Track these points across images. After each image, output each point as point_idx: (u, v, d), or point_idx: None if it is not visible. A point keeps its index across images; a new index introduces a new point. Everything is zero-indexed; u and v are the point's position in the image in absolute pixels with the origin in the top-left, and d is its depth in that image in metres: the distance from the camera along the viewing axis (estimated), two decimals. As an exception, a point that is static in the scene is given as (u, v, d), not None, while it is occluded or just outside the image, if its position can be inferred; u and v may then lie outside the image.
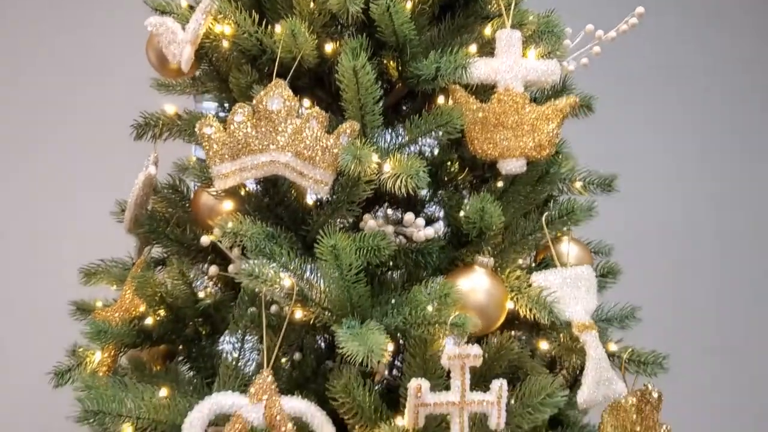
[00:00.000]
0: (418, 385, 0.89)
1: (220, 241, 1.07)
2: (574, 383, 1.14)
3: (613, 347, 1.12)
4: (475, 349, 0.92)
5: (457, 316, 0.89)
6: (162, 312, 1.11)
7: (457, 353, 0.90)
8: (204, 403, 0.91)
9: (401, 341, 1.04)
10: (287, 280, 0.93)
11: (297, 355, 1.15)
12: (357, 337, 0.87)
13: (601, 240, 1.32)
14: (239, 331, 1.10)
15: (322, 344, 1.16)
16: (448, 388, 0.91)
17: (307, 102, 1.08)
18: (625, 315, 1.21)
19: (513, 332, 1.09)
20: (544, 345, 1.10)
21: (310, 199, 1.11)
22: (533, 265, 1.15)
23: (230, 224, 0.95)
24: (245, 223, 0.96)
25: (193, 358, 1.16)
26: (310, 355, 1.13)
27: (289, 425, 0.91)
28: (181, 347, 1.17)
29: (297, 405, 0.92)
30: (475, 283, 0.99)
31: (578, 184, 1.23)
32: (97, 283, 1.25)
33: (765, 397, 2.55)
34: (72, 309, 1.22)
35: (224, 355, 1.13)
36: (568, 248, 1.14)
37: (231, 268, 1.08)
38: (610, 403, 1.06)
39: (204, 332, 1.17)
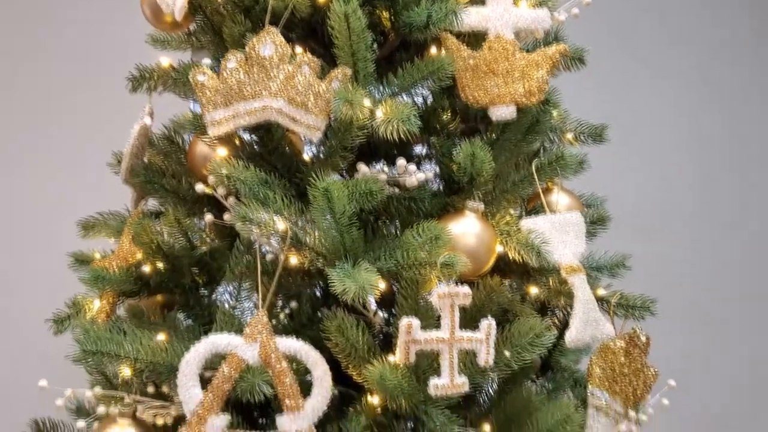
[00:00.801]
0: (408, 322, 0.92)
1: (215, 189, 1.09)
2: (563, 329, 1.17)
3: (601, 292, 1.14)
4: (465, 289, 0.94)
5: (447, 256, 0.91)
6: (159, 261, 1.14)
7: (446, 292, 0.93)
8: (200, 344, 0.94)
9: (394, 288, 1.06)
10: (281, 224, 0.95)
11: (293, 304, 1.17)
12: (349, 275, 0.89)
13: (593, 192, 1.34)
14: (235, 280, 1.13)
15: (318, 293, 1.18)
16: (438, 328, 0.94)
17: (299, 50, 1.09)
18: (615, 263, 1.23)
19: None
20: (533, 290, 1.13)
21: (306, 155, 1.12)
22: (524, 214, 1.17)
23: (224, 169, 0.97)
24: (239, 168, 0.97)
25: (190, 306, 1.18)
26: (305, 303, 1.16)
27: (284, 363, 0.93)
28: (178, 297, 1.19)
29: (291, 344, 0.95)
30: (466, 227, 1.01)
31: (569, 135, 1.24)
32: (95, 236, 1.27)
33: (753, 338, 2.55)
34: (71, 261, 1.24)
35: (221, 303, 1.16)
36: (557, 197, 1.16)
37: (226, 216, 1.10)
38: (598, 344, 1.09)
39: (201, 281, 1.19)
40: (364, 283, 0.86)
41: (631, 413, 1.12)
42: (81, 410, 1.19)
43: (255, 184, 0.97)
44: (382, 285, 0.91)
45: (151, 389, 1.14)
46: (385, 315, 1.22)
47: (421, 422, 1.02)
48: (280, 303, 1.14)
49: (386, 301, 1.20)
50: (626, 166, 2.27)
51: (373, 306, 1.26)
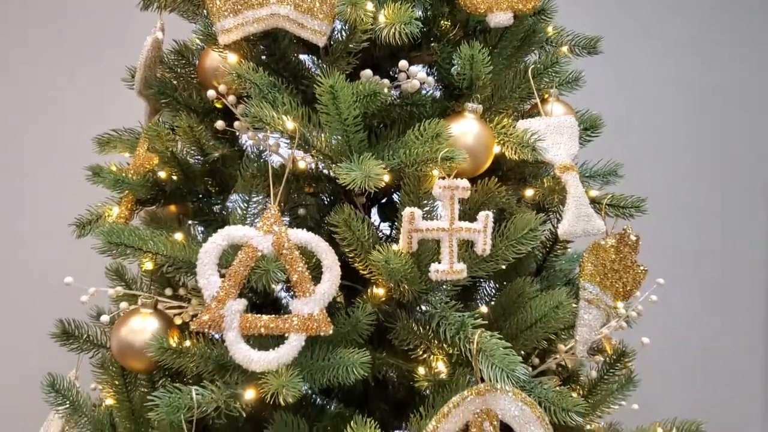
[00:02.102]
0: (411, 211, 0.98)
1: (226, 97, 1.14)
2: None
3: (594, 193, 1.20)
4: (464, 182, 1.00)
5: (447, 151, 0.97)
6: (173, 169, 1.20)
7: (447, 184, 0.99)
8: (217, 235, 1.00)
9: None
10: (290, 123, 1.00)
11: (301, 211, 1.24)
12: (355, 167, 0.95)
13: (588, 108, 1.39)
14: (247, 189, 1.19)
15: (325, 200, 1.24)
16: (438, 219, 1.00)
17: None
18: (608, 171, 1.29)
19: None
20: (529, 192, 1.19)
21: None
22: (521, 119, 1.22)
23: (236, 70, 1.02)
24: (249, 71, 1.03)
25: (204, 214, 1.25)
26: (313, 208, 1.22)
27: (296, 252, 1.00)
28: (191, 205, 1.26)
29: (303, 235, 1.01)
30: (465, 128, 1.06)
31: (564, 48, 1.28)
32: (110, 151, 1.33)
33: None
34: (88, 174, 1.29)
35: (232, 210, 1.22)
36: (553, 107, 1.20)
37: (236, 124, 1.16)
38: (590, 242, 1.16)
39: (213, 190, 1.25)
40: (369, 171, 0.92)
41: (621, 309, 1.19)
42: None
43: (265, 86, 1.02)
44: (386, 177, 0.97)
45: (168, 291, 1.22)
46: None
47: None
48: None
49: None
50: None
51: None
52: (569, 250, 1.40)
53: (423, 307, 1.08)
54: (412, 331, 1.09)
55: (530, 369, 1.16)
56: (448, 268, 0.99)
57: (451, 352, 1.10)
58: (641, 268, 1.19)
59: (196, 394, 0.96)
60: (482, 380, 0.98)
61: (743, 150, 2.45)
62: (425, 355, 1.12)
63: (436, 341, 1.09)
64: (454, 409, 0.97)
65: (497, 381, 0.94)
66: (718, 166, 2.43)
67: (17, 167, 2.05)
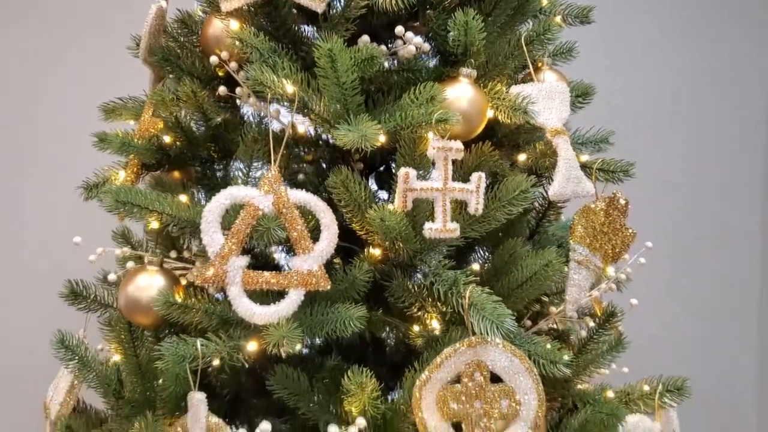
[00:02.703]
0: (406, 171, 1.02)
1: (228, 64, 1.18)
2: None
3: (584, 158, 1.24)
4: (458, 144, 1.04)
5: (441, 113, 1.00)
6: (177, 135, 1.24)
7: (441, 145, 1.03)
8: (220, 194, 1.04)
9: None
10: (290, 87, 1.04)
11: (300, 176, 1.28)
12: (352, 128, 0.98)
13: (582, 79, 1.42)
14: (248, 155, 1.23)
15: (324, 163, 1.28)
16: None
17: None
18: (599, 139, 1.33)
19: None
20: (522, 157, 1.22)
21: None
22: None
23: (238, 35, 1.06)
24: (250, 36, 1.06)
25: (207, 179, 1.29)
26: (312, 174, 1.26)
27: (295, 211, 1.04)
28: (195, 171, 1.30)
29: (301, 195, 1.05)
30: (459, 92, 1.09)
31: (558, 19, 1.31)
32: (116, 119, 1.36)
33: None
34: (95, 141, 1.33)
35: (234, 176, 1.26)
36: (545, 75, 1.24)
37: (238, 90, 1.19)
38: (580, 206, 1.20)
39: (216, 156, 1.29)
40: (365, 132, 0.96)
41: (611, 272, 1.23)
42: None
43: (265, 50, 1.05)
44: (382, 138, 1.00)
45: (173, 254, 1.26)
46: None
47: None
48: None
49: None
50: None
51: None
52: (562, 217, 1.44)
53: (418, 266, 1.12)
54: (407, 290, 1.13)
55: (522, 330, 1.20)
56: (441, 226, 1.03)
57: (444, 310, 1.15)
58: (630, 231, 1.23)
59: (201, 345, 1.00)
60: (473, 333, 1.02)
61: (738, 116, 2.46)
62: (420, 313, 1.16)
63: (430, 299, 1.13)
64: (447, 360, 1.02)
65: (487, 333, 0.98)
66: (713, 136, 2.44)
67: (25, 132, 2.08)
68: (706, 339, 2.48)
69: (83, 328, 1.26)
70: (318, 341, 1.31)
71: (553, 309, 1.27)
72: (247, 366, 1.12)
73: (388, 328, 1.24)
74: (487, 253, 1.28)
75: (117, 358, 1.21)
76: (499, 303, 1.00)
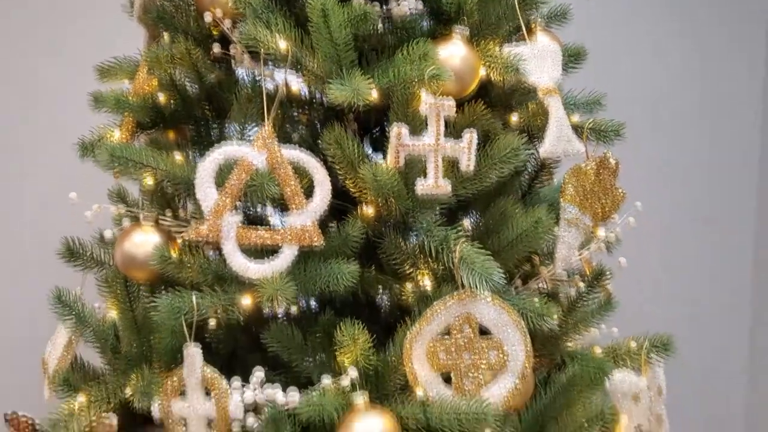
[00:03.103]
0: (398, 128, 1.03)
1: (222, 22, 1.18)
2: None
3: (575, 118, 1.25)
4: (450, 101, 1.05)
5: (433, 68, 1.01)
6: (172, 95, 1.24)
7: (433, 101, 1.04)
8: (214, 152, 1.05)
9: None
10: (283, 43, 1.05)
11: (294, 136, 1.29)
12: (345, 83, 0.99)
13: (575, 41, 1.42)
14: (242, 115, 1.23)
15: (318, 124, 1.29)
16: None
17: None
18: (592, 101, 1.34)
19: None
20: (514, 117, 1.23)
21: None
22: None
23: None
24: (244, -9, 1.06)
25: (201, 138, 1.29)
26: (307, 134, 1.27)
27: (289, 168, 1.05)
28: (189, 131, 1.31)
29: (295, 153, 1.06)
30: (452, 50, 1.10)
31: (551, -19, 1.31)
32: (111, 80, 1.37)
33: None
34: (90, 100, 1.33)
35: (228, 136, 1.27)
36: (538, 37, 1.24)
37: (233, 49, 1.20)
38: (571, 166, 1.21)
39: (210, 115, 1.30)
40: (358, 87, 0.97)
41: (601, 232, 1.25)
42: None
43: (259, 6, 1.06)
44: (374, 93, 1.01)
45: (168, 213, 1.28)
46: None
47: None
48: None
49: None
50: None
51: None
52: (554, 180, 1.45)
53: (410, 225, 1.14)
54: (399, 248, 1.15)
55: (512, 289, 1.22)
56: (433, 182, 1.05)
57: (435, 268, 1.16)
58: (620, 191, 1.24)
59: (196, 298, 1.02)
60: (463, 288, 1.04)
61: (731, 80, 2.47)
62: (412, 272, 1.18)
63: (421, 257, 1.15)
64: (437, 313, 1.04)
65: (477, 287, 1.00)
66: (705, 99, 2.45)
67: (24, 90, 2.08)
68: (695, 301, 2.52)
69: (80, 285, 1.28)
70: (313, 303, 1.33)
71: (543, 269, 1.29)
72: (242, 324, 1.15)
73: (381, 288, 1.26)
74: (478, 215, 1.30)
75: (113, 314, 1.24)
76: (488, 258, 1.02)
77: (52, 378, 1.25)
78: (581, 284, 1.32)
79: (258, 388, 1.02)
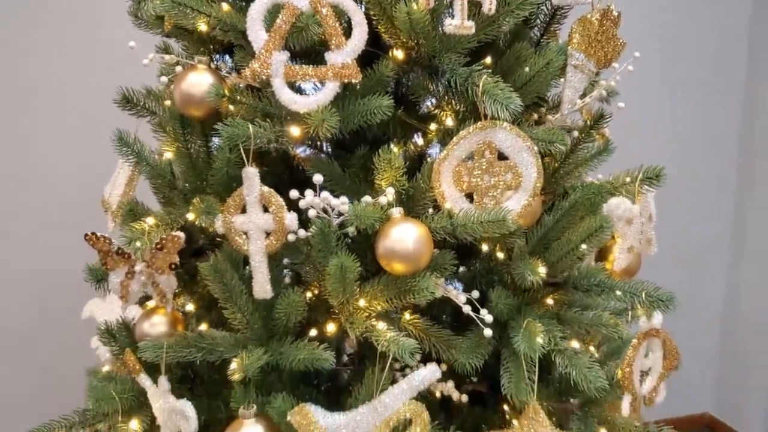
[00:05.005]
0: (429, -28, 1.15)
1: None
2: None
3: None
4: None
5: None
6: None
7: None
8: (262, -4, 1.17)
9: None
10: None
11: None
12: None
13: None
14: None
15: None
16: None
17: None
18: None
19: None
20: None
21: None
22: None
23: None
24: None
25: None
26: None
27: (330, 10, 1.17)
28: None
29: (335, -3, 1.19)
30: None
31: None
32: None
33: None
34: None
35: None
36: None
37: None
38: (578, 17, 1.34)
39: None
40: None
41: (602, 82, 1.40)
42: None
43: None
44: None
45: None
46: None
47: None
48: None
49: None
50: None
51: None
52: (559, 40, 1.58)
53: (437, 66, 1.27)
54: (426, 88, 1.30)
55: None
56: (459, 22, 1.18)
57: (457, 107, 1.32)
58: (620, 40, 1.38)
59: (253, 127, 1.17)
60: (485, 118, 1.19)
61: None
62: (436, 111, 1.33)
63: (445, 97, 1.30)
64: (462, 140, 1.20)
65: (498, 114, 1.16)
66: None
67: None
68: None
69: (136, 130, 1.42)
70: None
71: (549, 117, 1.44)
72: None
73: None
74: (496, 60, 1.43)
75: (169, 155, 1.38)
76: (508, 88, 1.16)
77: (116, 211, 1.41)
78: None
79: (316, 194, 1.17)
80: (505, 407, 1.40)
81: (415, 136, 1.45)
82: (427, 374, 1.16)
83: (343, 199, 1.18)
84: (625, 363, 1.28)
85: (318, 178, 1.17)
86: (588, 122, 1.45)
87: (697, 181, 3.23)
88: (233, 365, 1.16)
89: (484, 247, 1.31)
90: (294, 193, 1.18)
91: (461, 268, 1.41)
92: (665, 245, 1.62)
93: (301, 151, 1.49)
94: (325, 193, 1.17)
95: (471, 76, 1.20)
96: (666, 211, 1.80)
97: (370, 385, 1.17)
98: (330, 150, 1.41)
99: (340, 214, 1.18)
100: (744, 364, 3.44)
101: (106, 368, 1.53)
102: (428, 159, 1.31)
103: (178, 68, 1.32)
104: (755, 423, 3.39)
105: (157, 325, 1.34)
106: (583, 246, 1.29)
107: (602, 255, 1.51)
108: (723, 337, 3.51)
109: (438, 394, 1.37)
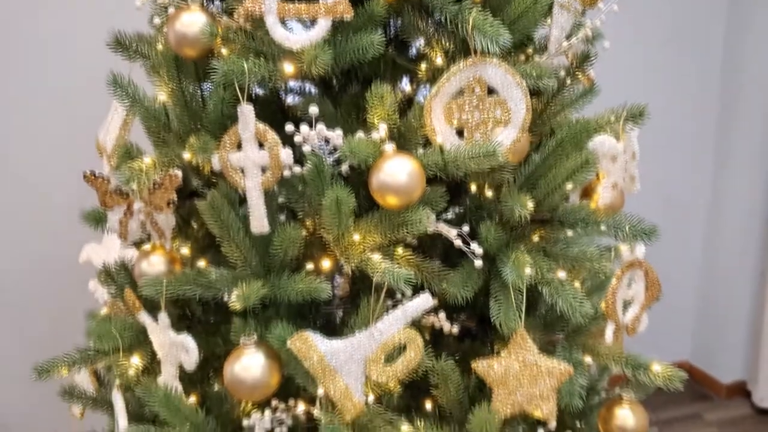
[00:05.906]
0: None
1: None
2: None
3: None
4: None
5: None
6: None
7: None
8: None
9: None
10: None
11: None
12: None
13: None
14: None
15: None
16: None
17: None
18: None
19: None
20: None
21: None
22: None
23: None
24: None
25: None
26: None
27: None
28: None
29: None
30: None
31: None
32: None
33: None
34: None
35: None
36: None
37: None
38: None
39: None
40: None
41: (587, 22, 1.43)
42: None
43: None
44: None
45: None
46: None
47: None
48: None
49: None
50: None
51: None
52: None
53: (427, 4, 1.29)
54: (417, 27, 1.32)
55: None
56: (449, -42, 1.20)
57: (447, 46, 1.34)
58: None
59: (247, 64, 1.19)
60: (476, 54, 1.22)
61: None
62: (426, 50, 1.36)
63: (435, 35, 1.33)
64: (453, 76, 1.23)
65: (487, 48, 1.18)
66: None
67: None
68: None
69: (129, 72, 1.43)
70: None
71: (537, 58, 1.47)
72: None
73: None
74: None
75: (163, 96, 1.40)
76: (498, 23, 1.19)
77: (111, 153, 1.43)
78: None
79: (312, 129, 1.20)
80: (495, 344, 1.45)
81: (405, 80, 1.47)
82: (421, 302, 1.20)
83: (338, 131, 1.21)
84: (609, 292, 1.33)
85: (314, 110, 1.20)
86: (574, 63, 1.48)
87: (677, 124, 3.30)
88: (234, 296, 1.20)
89: (473, 187, 1.35)
90: (289, 127, 1.21)
91: (451, 210, 1.45)
92: (647, 184, 1.67)
93: (292, 101, 1.52)
94: (320, 126, 1.20)
95: (461, 11, 1.22)
96: (648, 153, 1.84)
97: (366, 314, 1.22)
98: (322, 93, 1.43)
99: (334, 148, 1.21)
100: (721, 315, 3.55)
101: (104, 310, 1.56)
102: (418, 101, 1.34)
103: (171, 10, 1.33)
104: (731, 370, 3.53)
105: (155, 264, 1.37)
106: (569, 184, 1.33)
107: (587, 194, 1.55)
108: (702, 286, 3.62)
109: (430, 327, 1.42)
